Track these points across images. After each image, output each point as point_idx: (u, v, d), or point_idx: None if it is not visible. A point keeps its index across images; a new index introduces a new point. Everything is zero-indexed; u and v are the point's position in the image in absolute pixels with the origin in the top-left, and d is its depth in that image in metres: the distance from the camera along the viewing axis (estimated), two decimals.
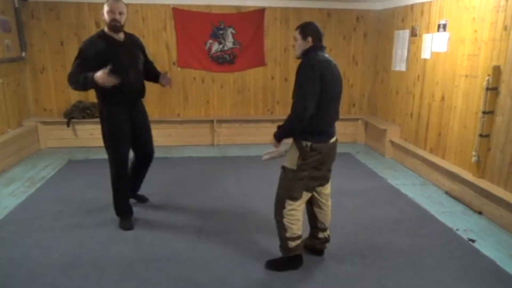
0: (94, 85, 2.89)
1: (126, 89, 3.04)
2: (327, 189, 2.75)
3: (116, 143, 3.17)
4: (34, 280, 2.58)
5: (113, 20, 2.94)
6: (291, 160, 2.54)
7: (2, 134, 4.96)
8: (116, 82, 2.86)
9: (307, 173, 2.52)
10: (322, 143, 2.50)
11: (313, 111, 2.39)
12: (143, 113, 3.34)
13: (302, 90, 2.39)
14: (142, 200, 3.74)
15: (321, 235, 2.81)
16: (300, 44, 2.53)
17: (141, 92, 3.28)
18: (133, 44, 3.17)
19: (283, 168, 2.60)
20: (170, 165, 4.88)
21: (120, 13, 2.95)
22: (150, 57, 3.46)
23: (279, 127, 2.56)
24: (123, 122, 3.15)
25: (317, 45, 2.51)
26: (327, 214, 2.79)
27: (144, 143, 3.40)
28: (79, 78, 2.91)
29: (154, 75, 3.37)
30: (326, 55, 2.51)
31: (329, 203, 2.79)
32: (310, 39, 2.49)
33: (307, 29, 2.52)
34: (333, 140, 2.60)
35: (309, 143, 2.46)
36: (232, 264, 2.79)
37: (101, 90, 3.03)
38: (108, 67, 2.80)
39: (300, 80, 2.42)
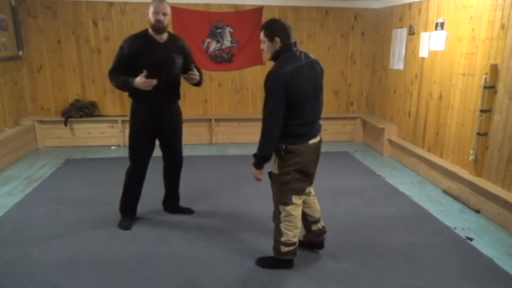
0: (133, 89, 2.96)
1: (155, 90, 2.96)
2: (309, 188, 2.72)
3: (135, 141, 3.18)
4: (31, 280, 2.57)
5: (157, 21, 2.94)
6: (274, 165, 2.52)
7: None
8: (154, 83, 2.90)
9: (290, 177, 2.47)
10: (299, 144, 2.44)
11: (280, 127, 2.35)
12: (173, 117, 3.25)
13: (267, 111, 2.34)
14: (187, 212, 3.57)
15: (314, 227, 2.80)
16: (268, 47, 2.41)
17: (172, 95, 3.20)
18: (173, 47, 3.10)
19: (269, 174, 2.58)
20: None
21: (164, 14, 2.95)
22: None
23: (254, 155, 2.48)
24: (146, 122, 3.13)
25: (287, 45, 2.39)
26: (313, 207, 2.77)
27: (170, 148, 3.33)
28: (120, 79, 3.00)
29: (196, 82, 3.23)
30: (298, 57, 2.39)
31: (312, 197, 2.77)
32: (277, 39, 2.37)
33: (272, 29, 2.39)
34: (314, 140, 2.52)
35: (283, 145, 2.42)
36: (230, 263, 2.79)
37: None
38: (144, 72, 2.87)
39: (266, 99, 2.35)
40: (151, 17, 2.96)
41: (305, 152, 2.47)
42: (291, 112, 2.36)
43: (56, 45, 5.70)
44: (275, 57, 2.43)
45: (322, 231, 2.85)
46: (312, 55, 2.52)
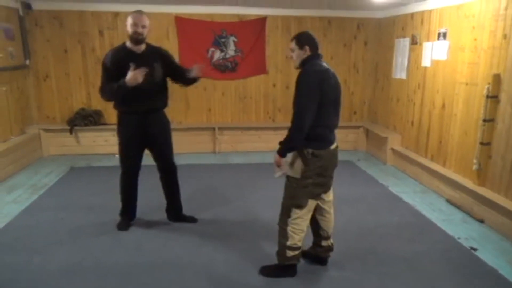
0: (127, 88, 2.97)
1: (138, 99, 3.07)
2: (330, 196, 2.76)
3: (125, 150, 3.28)
4: (35, 286, 2.59)
5: (135, 33, 3.02)
6: (295, 169, 2.55)
7: (5, 141, 4.98)
8: (145, 72, 2.96)
9: (311, 181, 2.52)
10: (322, 150, 2.51)
11: (311, 122, 2.42)
12: (160, 124, 3.30)
13: (301, 103, 2.43)
14: (190, 220, 3.57)
15: (324, 243, 2.81)
16: (298, 54, 2.54)
17: (157, 102, 3.26)
18: (152, 57, 3.17)
19: (287, 177, 2.61)
20: None
21: (143, 26, 3.04)
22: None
23: (281, 142, 2.56)
24: (133, 131, 3.20)
25: (315, 54, 2.54)
26: (330, 221, 2.79)
27: (161, 157, 3.38)
28: (112, 87, 3.04)
29: (185, 77, 3.25)
30: (324, 64, 2.53)
31: (332, 210, 2.80)
32: (307, 48, 2.51)
33: (303, 38, 2.54)
34: (333, 146, 2.61)
35: (310, 150, 2.48)
36: (233, 270, 2.80)
37: (118, 100, 3.18)
38: (132, 66, 2.93)
39: (299, 91, 2.44)
40: (129, 29, 3.03)
41: (326, 157, 2.54)
42: (320, 114, 2.44)
43: (62, 54, 5.78)
44: (302, 64, 2.54)
45: (330, 248, 2.85)
46: (331, 68, 2.60)
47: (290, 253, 2.61)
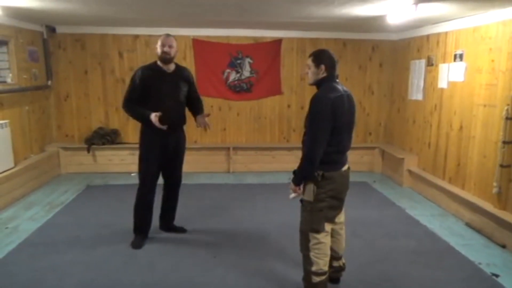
0: (147, 122, 3.19)
1: (163, 115, 3.20)
2: (341, 217, 2.72)
3: (144, 165, 3.41)
4: None
5: (163, 52, 3.25)
6: (308, 192, 2.52)
7: (25, 159, 5.11)
8: (164, 129, 3.18)
9: (325, 204, 2.49)
10: (333, 171, 2.49)
11: (323, 151, 2.40)
12: (178, 141, 3.50)
13: (313, 133, 2.40)
14: (179, 231, 3.75)
15: (335, 263, 2.76)
16: (313, 72, 2.51)
17: (180, 120, 3.47)
18: (179, 76, 3.41)
19: (301, 201, 2.58)
20: (186, 192, 4.89)
21: (170, 46, 3.25)
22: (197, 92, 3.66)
23: (294, 172, 2.54)
24: (155, 147, 3.35)
25: (331, 75, 2.49)
26: (341, 242, 2.75)
27: (171, 169, 3.55)
28: (137, 111, 3.28)
29: (195, 109, 3.59)
30: (339, 87, 2.48)
31: (343, 232, 2.76)
32: (323, 67, 2.47)
33: (321, 57, 2.50)
34: (345, 168, 2.58)
35: (320, 172, 2.45)
36: None
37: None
38: (159, 113, 3.13)
39: (311, 120, 2.41)
40: (158, 49, 3.27)
41: (338, 179, 2.51)
42: (331, 138, 2.41)
43: (82, 75, 5.95)
44: (317, 83, 2.52)
45: (342, 268, 2.81)
46: (347, 89, 2.57)
47: (316, 279, 2.54)
